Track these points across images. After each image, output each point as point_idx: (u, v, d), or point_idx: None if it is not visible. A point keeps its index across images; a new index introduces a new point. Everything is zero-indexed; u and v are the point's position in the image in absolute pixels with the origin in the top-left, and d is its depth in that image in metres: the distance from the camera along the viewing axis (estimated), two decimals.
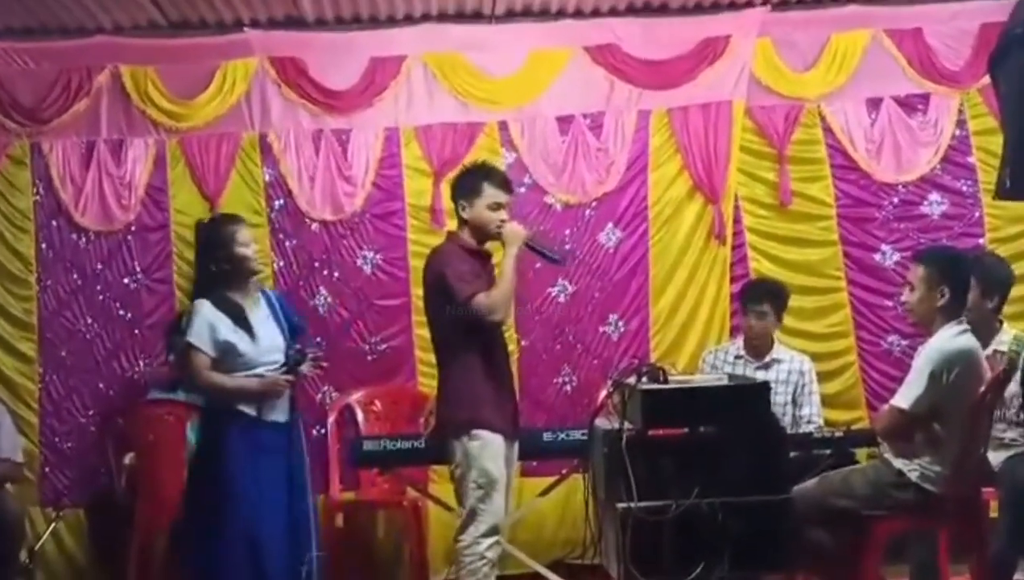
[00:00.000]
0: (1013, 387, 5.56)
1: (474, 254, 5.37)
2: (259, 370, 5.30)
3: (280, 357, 5.36)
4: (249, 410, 5.26)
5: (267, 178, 7.63)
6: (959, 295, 5.30)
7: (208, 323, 5.26)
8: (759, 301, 6.81)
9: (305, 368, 5.42)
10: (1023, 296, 7.23)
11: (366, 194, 7.61)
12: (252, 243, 5.46)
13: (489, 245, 5.46)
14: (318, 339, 7.25)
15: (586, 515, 5.15)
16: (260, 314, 5.43)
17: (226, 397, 5.31)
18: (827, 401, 7.06)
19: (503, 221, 5.31)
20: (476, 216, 5.32)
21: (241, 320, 5.30)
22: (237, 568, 5.18)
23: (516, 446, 5.44)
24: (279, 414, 5.34)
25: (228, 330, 5.27)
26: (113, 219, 7.56)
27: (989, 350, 5.67)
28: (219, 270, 5.35)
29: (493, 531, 5.13)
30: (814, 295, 7.65)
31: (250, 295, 5.45)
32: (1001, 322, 6.03)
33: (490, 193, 5.31)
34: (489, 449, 5.14)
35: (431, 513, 7.09)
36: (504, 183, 5.41)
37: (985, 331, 5.71)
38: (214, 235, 5.45)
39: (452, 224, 5.86)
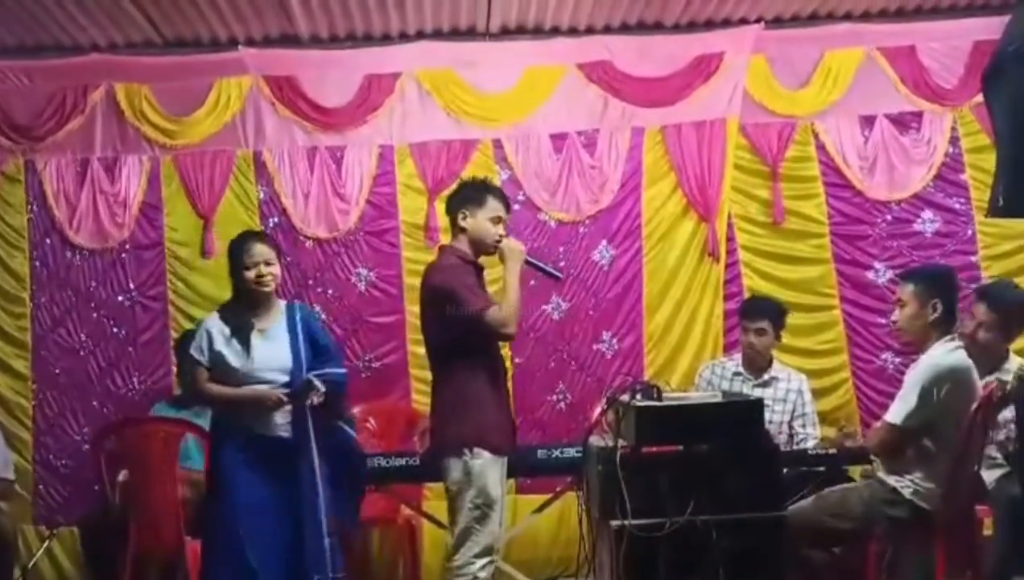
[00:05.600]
0: (1007, 414, 5.56)
1: (473, 266, 5.33)
2: (256, 386, 5.33)
3: (283, 377, 5.38)
4: (242, 423, 5.29)
5: (261, 196, 7.65)
6: (949, 309, 5.31)
7: (207, 334, 5.40)
8: (758, 318, 6.82)
9: (315, 399, 5.38)
10: None
11: (360, 211, 7.62)
12: (263, 261, 5.45)
13: (483, 259, 5.43)
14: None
15: (580, 533, 5.14)
16: (271, 332, 5.46)
17: (221, 407, 5.40)
18: (821, 418, 7.05)
19: (502, 236, 5.29)
20: (477, 226, 5.26)
21: (241, 335, 5.33)
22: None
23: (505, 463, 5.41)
24: (279, 430, 5.34)
25: (222, 342, 5.35)
26: (107, 236, 7.57)
27: (993, 377, 5.65)
28: (235, 287, 5.48)
29: (487, 551, 5.07)
30: (807, 312, 7.65)
31: (265, 311, 5.49)
32: (1007, 351, 6.03)
33: (493, 206, 5.28)
34: (490, 470, 5.07)
35: (425, 531, 7.08)
36: (505, 200, 5.40)
37: (994, 359, 5.72)
38: (230, 254, 5.56)
39: (446, 240, 5.84)
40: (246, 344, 5.36)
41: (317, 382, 5.36)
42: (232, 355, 5.34)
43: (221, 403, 5.41)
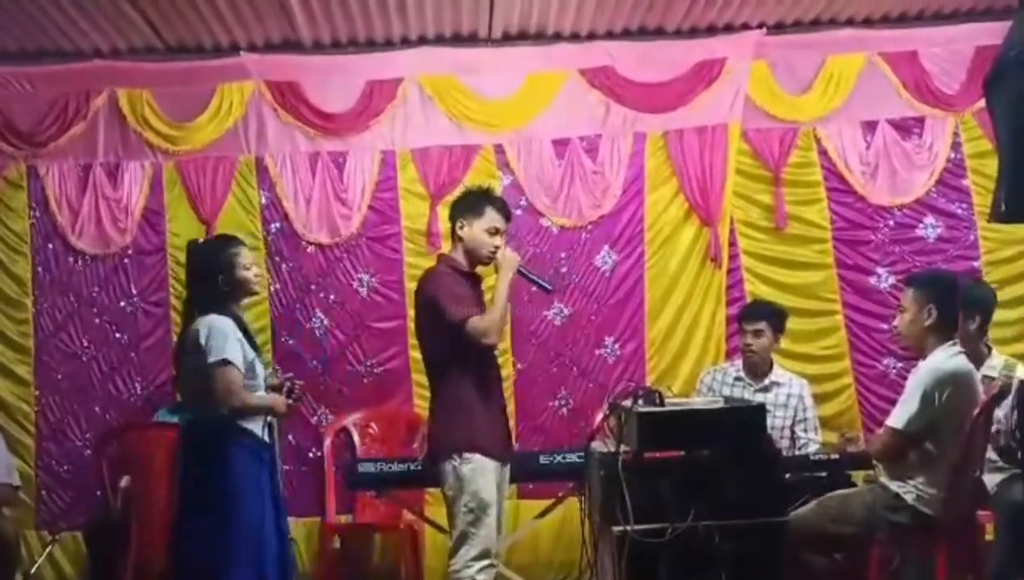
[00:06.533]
0: (999, 412, 5.56)
1: (466, 276, 5.34)
2: (268, 393, 5.34)
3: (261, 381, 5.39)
4: (255, 428, 5.24)
5: (263, 201, 7.65)
6: (948, 314, 5.32)
7: (238, 341, 5.21)
8: (756, 319, 6.83)
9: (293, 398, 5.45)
10: (1020, 319, 7.27)
11: (362, 217, 7.62)
12: (253, 266, 5.44)
13: (481, 269, 5.44)
14: (315, 362, 7.35)
15: (582, 538, 5.14)
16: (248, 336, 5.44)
17: (249, 415, 5.24)
18: (823, 423, 7.05)
19: (497, 247, 5.30)
20: (473, 237, 5.30)
21: (252, 340, 5.31)
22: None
23: (507, 469, 5.43)
24: (267, 434, 5.34)
25: (248, 348, 5.26)
26: (109, 242, 7.58)
27: (978, 375, 5.66)
28: (221, 291, 5.31)
29: (485, 555, 5.08)
30: (810, 317, 7.65)
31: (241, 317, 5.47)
32: (990, 347, 6.04)
33: (491, 216, 5.30)
34: (481, 472, 5.10)
35: (427, 536, 7.08)
36: (505, 211, 5.39)
37: (974, 356, 5.71)
38: (216, 257, 5.38)
39: (447, 246, 5.86)
40: (256, 349, 5.35)
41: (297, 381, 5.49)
42: (257, 361, 5.31)
43: (256, 410, 5.27)
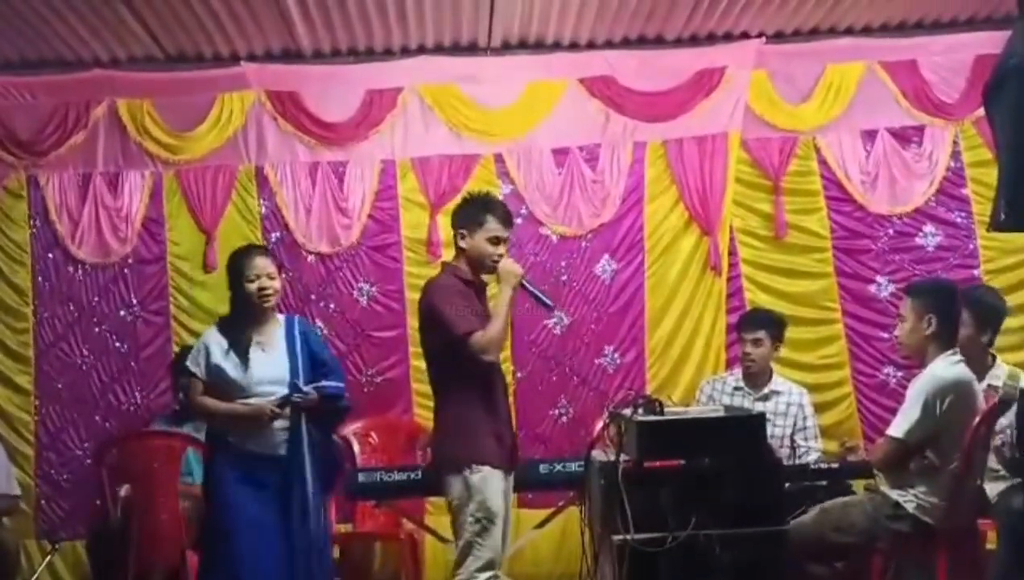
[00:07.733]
0: (1003, 421, 5.54)
1: (470, 286, 5.29)
2: (251, 400, 5.33)
3: (282, 390, 5.37)
4: (235, 439, 5.31)
5: (263, 210, 7.66)
6: (948, 324, 5.31)
7: (205, 347, 5.42)
8: (754, 328, 6.83)
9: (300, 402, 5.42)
10: (1021, 327, 7.26)
11: (362, 226, 7.63)
12: (265, 274, 5.48)
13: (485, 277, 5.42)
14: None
15: (582, 547, 5.13)
16: (270, 345, 5.47)
17: (216, 422, 5.44)
18: (823, 432, 7.03)
19: (500, 256, 5.26)
20: (475, 247, 5.25)
21: (239, 348, 5.34)
22: None
23: (512, 478, 5.41)
24: (272, 448, 5.34)
25: (220, 355, 5.36)
26: (109, 251, 7.58)
27: (983, 384, 5.64)
28: (235, 301, 5.50)
29: (490, 565, 5.04)
30: (809, 326, 7.66)
31: (265, 325, 5.51)
32: (994, 357, 6.02)
33: (491, 226, 5.24)
34: (490, 483, 5.06)
35: (427, 545, 7.06)
36: (506, 218, 5.33)
37: (978, 365, 5.70)
38: (230, 268, 5.57)
39: (448, 254, 5.85)
40: (244, 357, 5.37)
41: (306, 388, 5.41)
42: (230, 368, 5.36)
43: (217, 417, 5.42)
